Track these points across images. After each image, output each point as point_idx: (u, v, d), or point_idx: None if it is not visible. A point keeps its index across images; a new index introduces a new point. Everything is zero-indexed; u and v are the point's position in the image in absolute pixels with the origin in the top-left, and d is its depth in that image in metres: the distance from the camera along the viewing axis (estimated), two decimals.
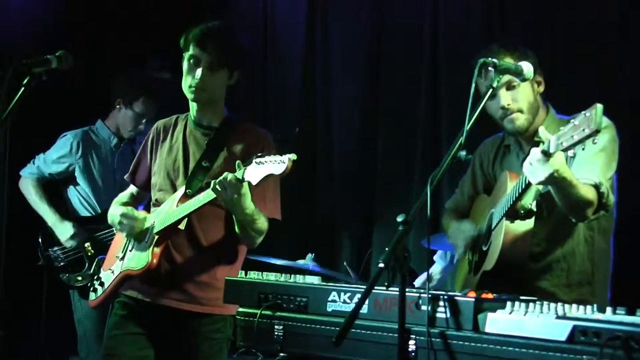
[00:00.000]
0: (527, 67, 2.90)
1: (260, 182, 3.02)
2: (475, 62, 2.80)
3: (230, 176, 3.09)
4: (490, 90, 2.80)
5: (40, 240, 4.82)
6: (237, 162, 3.13)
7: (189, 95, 3.43)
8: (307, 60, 6.10)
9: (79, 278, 4.70)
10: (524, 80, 2.96)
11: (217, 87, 3.41)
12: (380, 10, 5.77)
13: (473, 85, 2.73)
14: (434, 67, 5.52)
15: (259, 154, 3.04)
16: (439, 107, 5.50)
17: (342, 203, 5.94)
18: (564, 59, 4.92)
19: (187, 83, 3.39)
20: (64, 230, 4.75)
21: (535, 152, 2.67)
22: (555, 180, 2.73)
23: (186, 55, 3.40)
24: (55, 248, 4.78)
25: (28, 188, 4.87)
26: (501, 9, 5.26)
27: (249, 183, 3.05)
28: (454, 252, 5.08)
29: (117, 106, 4.88)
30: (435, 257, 5.25)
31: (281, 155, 2.96)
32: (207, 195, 3.21)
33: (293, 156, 2.94)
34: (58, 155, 4.87)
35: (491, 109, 3.19)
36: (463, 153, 2.64)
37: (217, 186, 3.12)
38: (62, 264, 4.76)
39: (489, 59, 2.83)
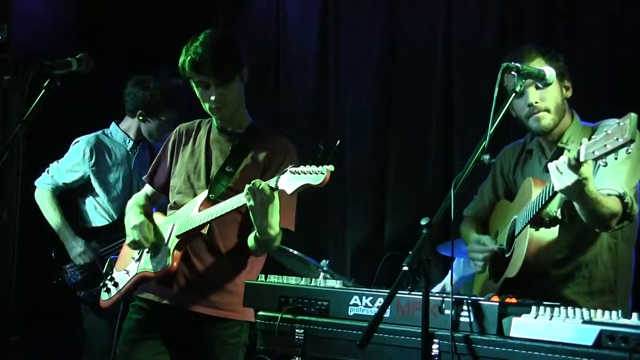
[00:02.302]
0: (549, 72, 2.90)
1: (295, 191, 2.99)
2: (499, 65, 2.80)
3: (262, 184, 3.08)
4: (513, 94, 2.80)
5: (54, 256, 4.72)
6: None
7: (214, 115, 3.45)
8: (319, 62, 6.09)
9: (95, 293, 4.62)
10: (546, 85, 2.96)
11: (236, 96, 3.42)
12: (394, 16, 5.76)
13: (496, 88, 2.72)
14: (448, 73, 5.50)
15: (293, 165, 3.02)
16: (452, 113, 5.47)
17: (353, 209, 5.92)
18: (579, 64, 4.89)
19: (207, 106, 3.41)
20: (73, 247, 4.67)
21: (566, 157, 2.66)
22: (579, 188, 2.70)
23: (193, 82, 3.39)
24: (69, 265, 4.69)
25: (43, 199, 4.76)
26: (515, 15, 5.25)
27: (284, 192, 3.03)
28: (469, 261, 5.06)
29: (140, 118, 4.78)
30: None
31: (318, 166, 2.95)
32: (236, 202, 3.20)
33: (331, 167, 2.93)
34: (71, 164, 4.78)
35: (517, 107, 3.17)
36: (487, 157, 2.64)
37: (251, 192, 3.09)
38: (79, 279, 4.68)
39: (512, 62, 2.83)
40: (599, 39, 4.89)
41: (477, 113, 4.97)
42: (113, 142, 4.86)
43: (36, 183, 4.82)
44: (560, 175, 2.68)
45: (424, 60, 5.64)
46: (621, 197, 2.93)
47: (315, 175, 2.94)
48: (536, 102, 3.12)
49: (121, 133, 4.87)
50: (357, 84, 5.93)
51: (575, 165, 2.62)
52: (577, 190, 2.70)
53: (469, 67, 5.37)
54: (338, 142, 3.44)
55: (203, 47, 3.31)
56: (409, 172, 5.67)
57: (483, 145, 2.64)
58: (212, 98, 3.35)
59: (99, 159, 4.78)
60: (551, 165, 2.72)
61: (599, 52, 4.89)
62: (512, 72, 2.84)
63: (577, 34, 4.99)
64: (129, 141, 4.86)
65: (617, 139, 2.36)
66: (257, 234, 3.23)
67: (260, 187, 3.07)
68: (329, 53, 6.04)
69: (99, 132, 4.88)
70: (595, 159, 2.47)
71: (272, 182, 3.06)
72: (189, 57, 3.32)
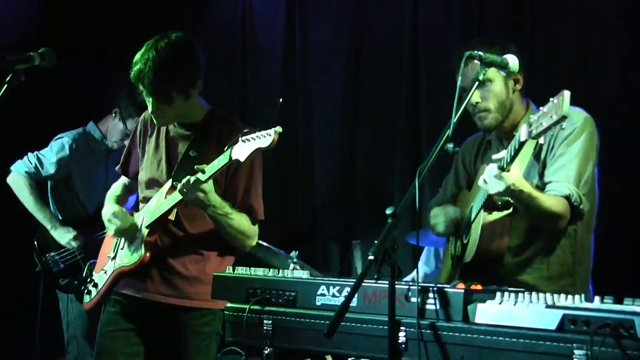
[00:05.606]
0: (512, 60, 2.91)
1: (248, 157, 3.01)
2: (460, 55, 2.81)
3: (193, 179, 3.13)
4: (477, 83, 2.82)
5: (36, 245, 4.76)
6: (196, 166, 3.17)
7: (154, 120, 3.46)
8: (286, 58, 6.08)
9: (76, 282, 4.62)
10: (509, 73, 2.97)
11: (175, 111, 3.38)
12: (361, 10, 5.78)
13: (459, 78, 2.74)
14: (414, 66, 5.53)
15: (245, 131, 3.03)
16: (419, 106, 5.51)
17: (322, 200, 5.94)
18: (543, 57, 4.95)
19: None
20: (64, 233, 4.70)
21: (492, 168, 2.77)
22: (512, 192, 2.82)
23: None
24: (53, 253, 4.73)
25: (22, 187, 4.77)
26: (481, 8, 5.28)
27: (237, 161, 3.03)
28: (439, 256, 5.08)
29: (113, 114, 4.90)
30: (419, 264, 5.22)
31: (267, 129, 2.95)
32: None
33: (279, 129, 2.93)
34: (57, 158, 4.81)
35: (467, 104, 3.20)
36: (450, 145, 2.67)
37: (184, 188, 3.16)
38: (60, 267, 4.71)
39: (475, 51, 2.84)
40: (566, 34, 4.94)
41: (444, 103, 4.99)
42: (94, 141, 4.95)
43: (14, 168, 4.82)
44: (490, 185, 2.81)
45: (391, 51, 5.67)
46: (568, 197, 2.99)
47: (263, 138, 2.95)
48: (477, 102, 3.16)
49: (99, 133, 4.97)
50: (324, 76, 5.94)
51: (499, 175, 2.76)
52: (509, 193, 2.84)
53: (436, 58, 5.40)
54: (280, 100, 3.43)
55: (150, 64, 3.25)
56: (378, 162, 5.70)
57: (447, 134, 2.67)
58: (149, 107, 3.38)
59: (84, 155, 4.87)
60: (480, 180, 2.85)
61: (562, 44, 4.94)
62: (475, 61, 2.86)
63: (543, 30, 5.03)
64: (106, 141, 4.95)
65: (552, 116, 2.42)
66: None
67: (192, 183, 3.12)
68: (296, 45, 6.03)
69: (81, 130, 4.96)
70: (535, 137, 2.53)
71: (225, 155, 3.07)
72: (135, 67, 3.30)
